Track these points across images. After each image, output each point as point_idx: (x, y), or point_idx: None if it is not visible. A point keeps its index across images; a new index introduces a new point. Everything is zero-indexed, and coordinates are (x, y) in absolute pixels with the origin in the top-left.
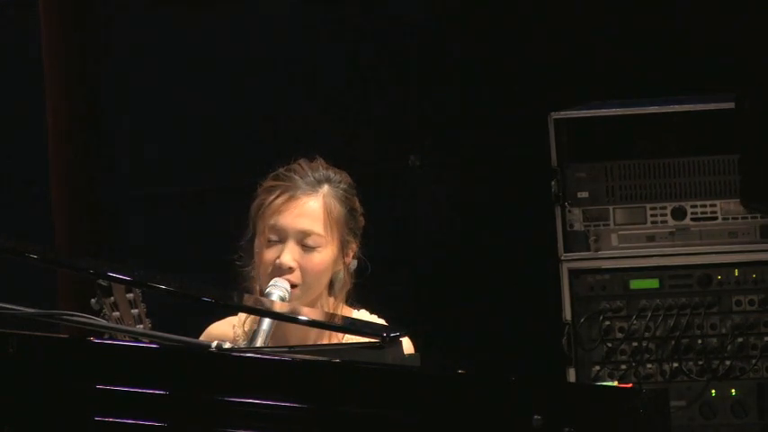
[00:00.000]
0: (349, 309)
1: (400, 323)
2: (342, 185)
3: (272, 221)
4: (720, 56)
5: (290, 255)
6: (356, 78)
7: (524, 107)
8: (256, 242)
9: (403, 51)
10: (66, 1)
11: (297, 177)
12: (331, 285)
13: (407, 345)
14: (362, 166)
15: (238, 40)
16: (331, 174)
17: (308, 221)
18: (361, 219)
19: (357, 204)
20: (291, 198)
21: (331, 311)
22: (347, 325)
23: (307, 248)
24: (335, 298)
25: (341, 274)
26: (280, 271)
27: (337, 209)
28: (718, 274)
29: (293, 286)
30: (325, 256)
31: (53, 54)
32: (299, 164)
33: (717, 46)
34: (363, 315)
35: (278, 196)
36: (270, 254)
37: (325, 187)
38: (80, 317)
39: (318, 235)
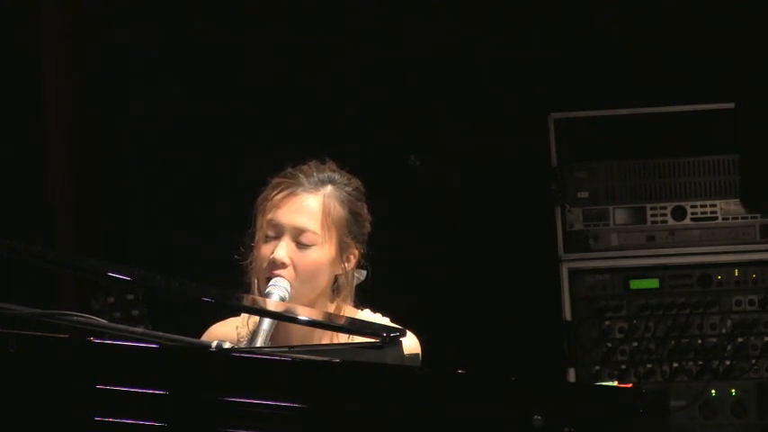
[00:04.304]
0: (352, 309)
1: (400, 323)
2: (347, 188)
3: (269, 216)
4: (720, 57)
5: (284, 251)
6: (356, 78)
7: (524, 107)
8: (255, 236)
9: (401, 51)
10: (67, 4)
11: (302, 176)
12: (337, 289)
13: (414, 343)
14: (363, 167)
15: (237, 37)
16: (336, 176)
17: (304, 218)
18: (367, 225)
19: (363, 210)
20: (291, 194)
21: (331, 312)
22: (347, 325)
23: (301, 246)
24: (338, 301)
25: (342, 279)
26: (273, 266)
27: (337, 210)
28: (718, 274)
29: None
30: (319, 255)
31: (53, 53)
32: (309, 164)
33: (717, 47)
34: (367, 314)
35: (279, 192)
36: (266, 249)
37: (328, 188)
38: (80, 317)
39: (313, 233)
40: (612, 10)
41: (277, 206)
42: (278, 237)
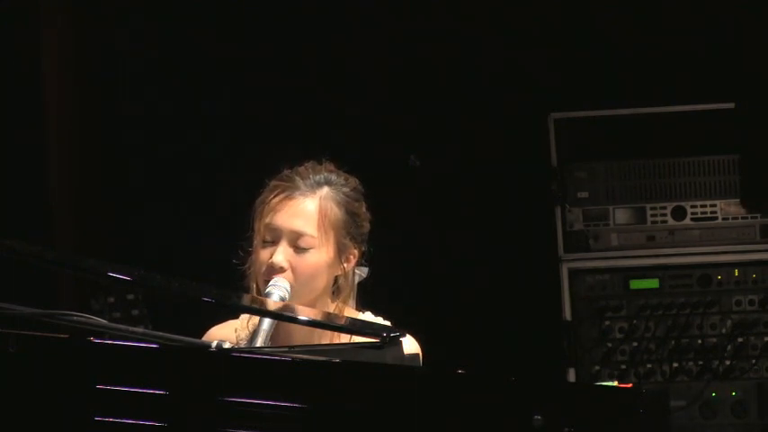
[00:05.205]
0: (354, 311)
1: (400, 323)
2: (344, 189)
3: (267, 220)
4: (721, 57)
5: (281, 255)
6: (356, 78)
7: (524, 107)
8: (254, 241)
9: (401, 51)
10: (67, 4)
11: (298, 178)
12: (337, 291)
13: (413, 344)
14: (363, 167)
15: (237, 37)
16: (333, 177)
17: (300, 222)
18: (366, 225)
19: (361, 210)
20: (288, 198)
21: (331, 312)
22: (347, 325)
23: (299, 249)
24: (339, 303)
25: (341, 280)
26: (272, 270)
27: (334, 212)
28: (718, 274)
29: None
30: (317, 258)
31: (53, 53)
32: (305, 166)
33: (717, 47)
34: (368, 317)
35: (276, 195)
36: (264, 254)
37: (325, 189)
38: (80, 317)
39: (311, 236)
40: (612, 10)
41: (274, 210)
42: (275, 241)
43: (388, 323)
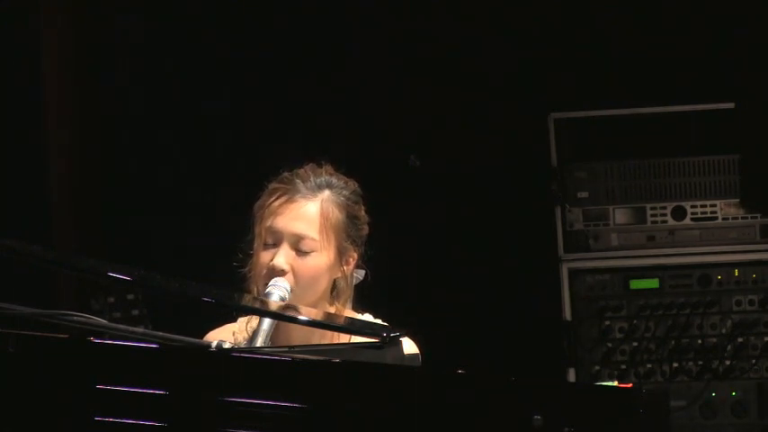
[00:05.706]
0: (353, 313)
1: (400, 323)
2: (344, 192)
3: (268, 223)
4: (721, 57)
5: (283, 258)
6: (356, 78)
7: (524, 107)
8: (255, 244)
9: (401, 52)
10: (67, 4)
11: (299, 181)
12: (336, 293)
13: (411, 345)
14: (362, 167)
15: (238, 37)
16: (334, 180)
17: (302, 225)
18: (365, 227)
19: (361, 213)
20: (289, 201)
21: (332, 313)
22: (346, 325)
23: (300, 253)
24: (338, 305)
25: (341, 282)
26: (273, 273)
27: (335, 215)
28: (718, 274)
29: None
30: (319, 261)
31: (53, 53)
32: (305, 168)
33: (717, 47)
34: (368, 319)
35: (277, 198)
36: (265, 256)
37: (326, 192)
38: (80, 317)
39: (312, 239)
40: (612, 10)
41: (275, 213)
42: (277, 244)
43: (387, 325)
